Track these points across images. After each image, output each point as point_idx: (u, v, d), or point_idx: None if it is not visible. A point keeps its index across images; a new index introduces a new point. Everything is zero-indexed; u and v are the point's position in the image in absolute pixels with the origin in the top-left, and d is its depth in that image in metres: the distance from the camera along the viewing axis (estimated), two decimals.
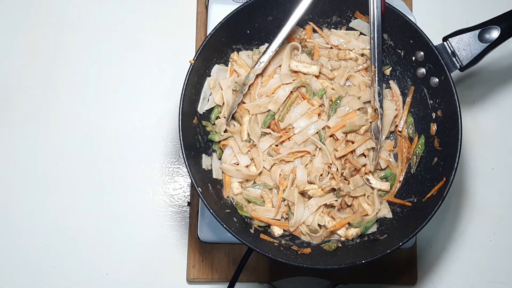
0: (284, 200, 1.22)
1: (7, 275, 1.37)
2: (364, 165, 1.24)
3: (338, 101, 1.23)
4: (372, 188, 1.24)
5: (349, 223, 1.22)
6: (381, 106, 1.21)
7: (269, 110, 1.23)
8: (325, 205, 1.22)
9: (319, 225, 1.22)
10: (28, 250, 1.37)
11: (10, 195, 1.39)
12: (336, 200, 1.22)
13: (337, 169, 1.21)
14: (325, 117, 1.23)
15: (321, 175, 1.22)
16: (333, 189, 1.22)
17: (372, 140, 1.22)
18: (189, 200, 1.42)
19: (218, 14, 1.31)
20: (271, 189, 1.23)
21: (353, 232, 1.22)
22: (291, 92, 1.23)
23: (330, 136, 1.22)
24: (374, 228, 1.23)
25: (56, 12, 1.47)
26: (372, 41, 1.19)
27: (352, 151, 1.22)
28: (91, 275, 1.38)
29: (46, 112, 1.42)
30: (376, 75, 1.20)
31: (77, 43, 1.46)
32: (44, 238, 1.38)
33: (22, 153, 1.38)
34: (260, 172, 1.23)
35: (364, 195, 1.23)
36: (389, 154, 1.27)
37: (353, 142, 1.22)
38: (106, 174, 1.41)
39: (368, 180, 1.23)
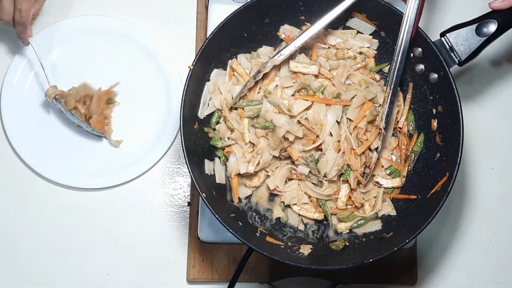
0: None
1: (7, 275, 1.36)
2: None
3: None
4: (380, 187, 1.25)
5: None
6: (386, 128, 1.21)
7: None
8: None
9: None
10: (28, 250, 1.37)
11: (10, 195, 1.39)
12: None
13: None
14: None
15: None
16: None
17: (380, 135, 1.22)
18: (189, 200, 1.42)
19: (218, 14, 1.32)
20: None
21: (342, 226, 1.22)
22: (292, 95, 1.23)
23: (354, 128, 1.21)
24: (378, 226, 1.24)
25: None
26: (393, 63, 1.19)
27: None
28: (91, 275, 1.38)
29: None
30: (389, 97, 1.20)
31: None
32: (44, 238, 1.38)
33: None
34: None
35: (376, 197, 1.24)
36: (392, 153, 1.28)
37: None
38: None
39: (378, 182, 1.24)
